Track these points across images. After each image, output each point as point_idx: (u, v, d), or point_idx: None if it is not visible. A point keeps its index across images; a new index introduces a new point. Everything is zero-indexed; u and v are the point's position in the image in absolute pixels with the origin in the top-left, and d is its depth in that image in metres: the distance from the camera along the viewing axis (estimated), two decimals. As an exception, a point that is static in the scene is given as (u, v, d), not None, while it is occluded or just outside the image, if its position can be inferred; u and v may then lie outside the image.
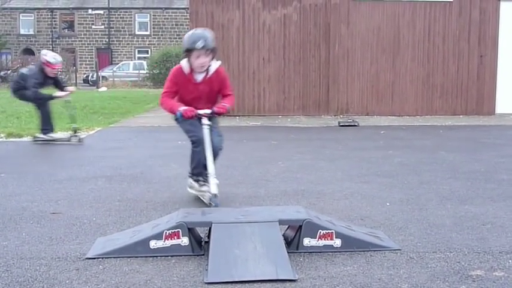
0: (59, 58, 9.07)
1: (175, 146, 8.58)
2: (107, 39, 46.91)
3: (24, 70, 9.51)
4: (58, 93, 9.08)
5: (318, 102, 13.36)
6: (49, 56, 8.98)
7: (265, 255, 3.21)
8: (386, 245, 3.60)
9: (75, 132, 8.93)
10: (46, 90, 9.19)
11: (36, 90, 8.83)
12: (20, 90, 9.01)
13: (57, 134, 9.20)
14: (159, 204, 4.78)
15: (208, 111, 4.71)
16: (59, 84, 9.40)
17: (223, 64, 14.20)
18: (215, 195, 4.42)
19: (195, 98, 4.74)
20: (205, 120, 4.69)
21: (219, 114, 4.79)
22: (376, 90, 13.43)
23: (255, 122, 11.96)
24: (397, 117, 12.99)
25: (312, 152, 7.88)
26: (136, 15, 46.98)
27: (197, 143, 4.74)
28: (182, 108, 4.64)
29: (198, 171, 4.88)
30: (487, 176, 6.01)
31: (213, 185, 4.47)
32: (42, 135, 9.01)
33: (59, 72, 9.81)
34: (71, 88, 9.53)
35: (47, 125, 9.04)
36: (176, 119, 4.82)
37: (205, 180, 4.80)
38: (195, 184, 4.94)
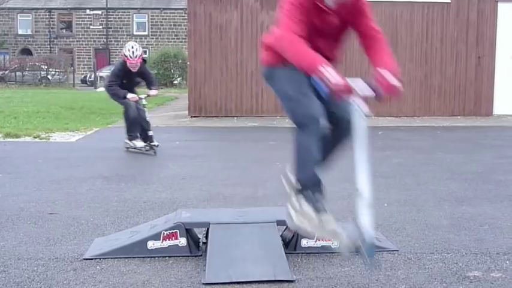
0: (137, 51, 7.72)
1: (173, 147, 8.57)
2: (105, 40, 46.85)
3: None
4: (129, 95, 7.82)
5: (315, 103, 13.35)
6: (126, 48, 7.79)
7: (263, 256, 3.21)
8: (384, 246, 3.60)
9: (152, 141, 7.75)
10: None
11: (110, 85, 7.96)
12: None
13: (140, 143, 7.85)
14: (157, 205, 4.77)
15: (364, 86, 2.76)
16: (149, 83, 8.22)
17: (221, 64, 14.15)
18: (371, 245, 2.61)
19: (317, 35, 2.85)
20: (358, 99, 2.74)
21: (391, 93, 2.83)
22: (374, 91, 13.43)
23: (253, 122, 11.96)
24: (395, 118, 12.99)
25: (309, 152, 7.87)
26: (134, 15, 46.92)
27: (308, 125, 2.80)
28: (329, 70, 2.62)
29: (311, 180, 2.91)
30: (485, 177, 6.02)
31: (366, 218, 2.63)
32: (128, 141, 8.00)
33: (147, 69, 8.29)
34: (152, 92, 8.12)
35: (131, 131, 7.93)
36: (267, 76, 3.04)
37: (323, 200, 2.91)
38: (307, 207, 2.87)
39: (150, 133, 7.77)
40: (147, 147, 7.73)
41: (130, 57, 7.66)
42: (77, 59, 46.08)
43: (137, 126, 7.90)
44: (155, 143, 7.74)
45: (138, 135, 7.88)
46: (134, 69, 7.80)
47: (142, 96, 7.99)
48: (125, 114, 7.99)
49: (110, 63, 44.54)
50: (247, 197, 5.11)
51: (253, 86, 13.23)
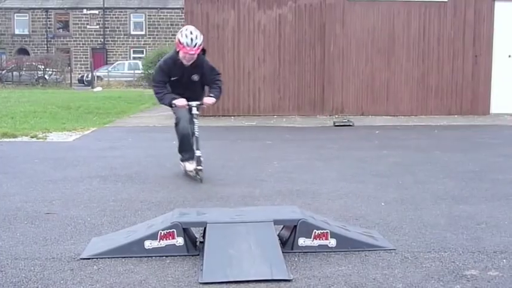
0: (196, 38, 5.67)
1: (170, 146, 8.56)
2: (102, 39, 46.81)
3: None
4: (177, 101, 5.88)
5: (313, 102, 13.35)
6: (182, 33, 5.73)
7: (260, 255, 3.21)
8: (381, 244, 3.61)
9: (199, 163, 5.81)
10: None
11: (155, 89, 6.10)
12: None
13: (190, 165, 5.99)
14: (154, 204, 4.77)
15: None
16: (210, 84, 6.15)
17: (218, 64, 14.20)
18: None
19: None
20: None
21: None
22: (371, 90, 13.43)
23: (250, 122, 11.96)
24: (392, 117, 13.00)
25: (307, 152, 7.89)
26: (131, 15, 46.91)
27: None
28: None
29: None
30: (482, 175, 6.03)
31: None
32: (180, 162, 6.25)
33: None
34: (208, 100, 6.06)
35: (181, 150, 6.17)
36: None
37: None
38: None
39: (198, 153, 5.87)
40: (194, 173, 5.92)
41: (188, 45, 5.65)
42: (74, 58, 46.05)
43: (189, 144, 6.06)
44: (201, 167, 5.86)
45: (192, 156, 6.01)
46: (188, 62, 5.81)
47: (194, 103, 5.95)
48: (175, 128, 6.18)
49: (107, 62, 44.57)
50: (244, 196, 5.11)
51: (250, 85, 13.23)
